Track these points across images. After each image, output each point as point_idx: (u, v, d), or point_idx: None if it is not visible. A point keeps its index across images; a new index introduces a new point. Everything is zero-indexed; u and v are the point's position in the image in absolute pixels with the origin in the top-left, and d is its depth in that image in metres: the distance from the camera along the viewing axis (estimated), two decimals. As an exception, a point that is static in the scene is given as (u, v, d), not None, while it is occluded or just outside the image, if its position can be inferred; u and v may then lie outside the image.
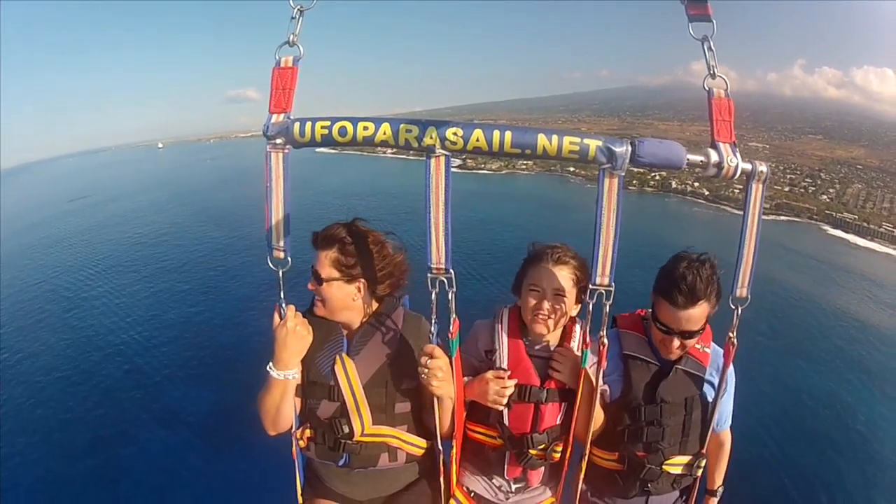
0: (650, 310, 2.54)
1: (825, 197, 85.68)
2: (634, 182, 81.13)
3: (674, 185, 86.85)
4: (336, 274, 2.32)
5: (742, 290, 2.12)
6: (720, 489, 2.88)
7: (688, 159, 1.89)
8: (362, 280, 2.37)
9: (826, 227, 75.14)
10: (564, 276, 2.34)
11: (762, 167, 1.94)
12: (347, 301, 2.38)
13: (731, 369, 2.43)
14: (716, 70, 1.90)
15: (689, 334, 2.37)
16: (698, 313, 2.34)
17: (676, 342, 2.39)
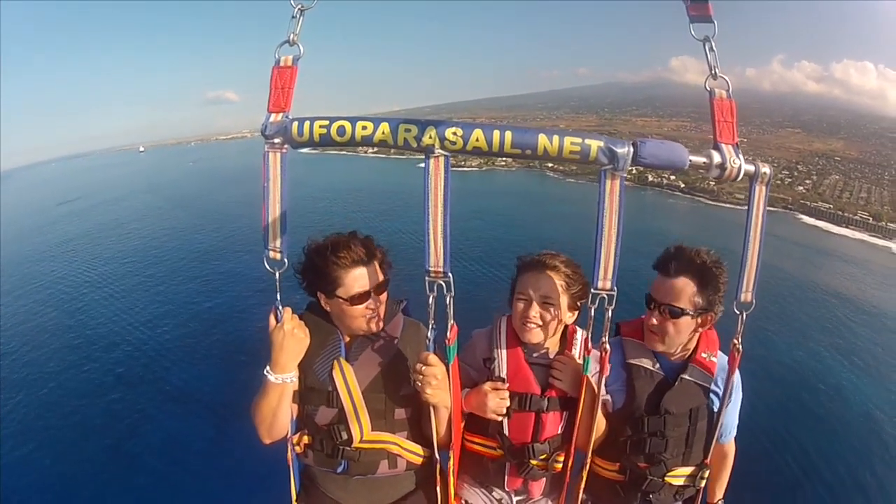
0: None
1: (801, 188, 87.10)
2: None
3: (650, 178, 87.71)
4: (385, 284, 2.35)
5: (747, 295, 2.07)
6: (720, 503, 2.82)
7: (690, 160, 1.87)
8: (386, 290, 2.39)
9: (801, 216, 76.46)
10: (552, 282, 2.30)
11: (765, 168, 1.91)
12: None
13: (737, 379, 2.38)
14: (717, 71, 1.88)
15: (669, 309, 2.32)
16: (680, 286, 2.32)
17: (655, 319, 2.36)
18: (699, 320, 2.37)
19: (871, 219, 74.13)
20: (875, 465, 16.46)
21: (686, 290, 2.31)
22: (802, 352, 24.84)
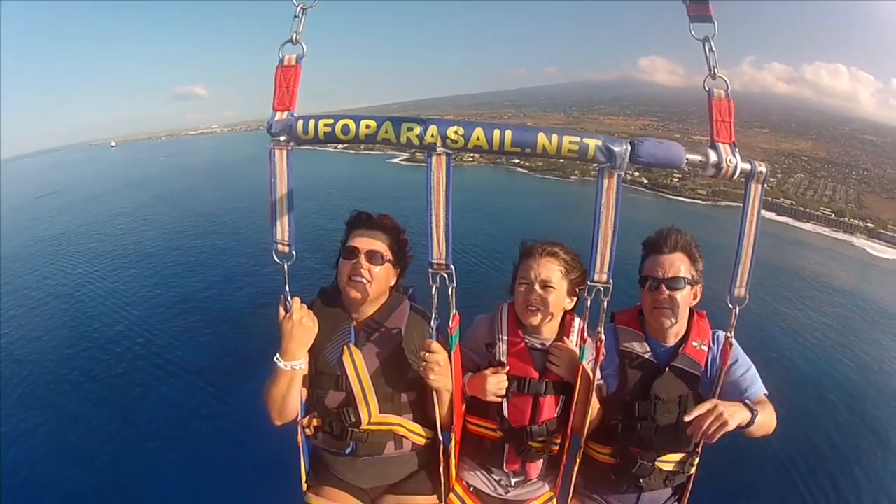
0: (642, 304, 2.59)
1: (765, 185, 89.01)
2: (577, 172, 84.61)
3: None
4: (390, 257, 2.40)
5: (740, 291, 2.14)
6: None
7: (687, 159, 1.91)
8: (398, 269, 2.48)
9: (762, 211, 78.78)
10: (552, 267, 2.41)
11: (761, 167, 1.98)
12: (386, 287, 2.46)
13: (738, 350, 2.45)
14: (716, 71, 1.92)
15: (673, 283, 2.42)
16: (679, 261, 2.44)
17: (665, 292, 2.42)
18: (695, 291, 2.50)
19: (833, 214, 76.16)
20: (838, 417, 17.66)
21: (684, 263, 2.46)
22: (772, 325, 26.05)
